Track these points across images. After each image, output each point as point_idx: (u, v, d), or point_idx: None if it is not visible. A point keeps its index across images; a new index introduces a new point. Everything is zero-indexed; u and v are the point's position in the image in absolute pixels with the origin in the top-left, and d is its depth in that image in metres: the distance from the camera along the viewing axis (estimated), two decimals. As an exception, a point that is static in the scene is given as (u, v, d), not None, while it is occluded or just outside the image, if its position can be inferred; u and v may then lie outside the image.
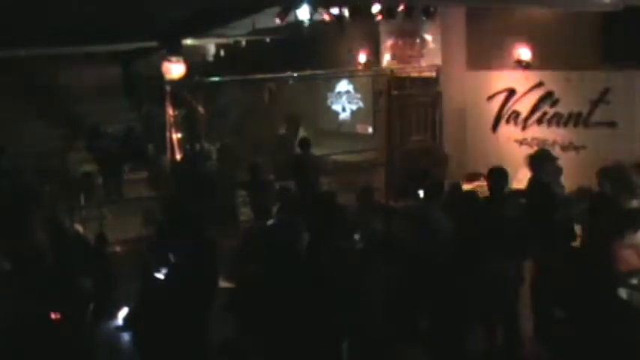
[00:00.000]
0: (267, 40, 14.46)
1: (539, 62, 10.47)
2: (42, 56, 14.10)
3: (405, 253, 6.02)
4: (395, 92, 12.02)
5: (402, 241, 6.22)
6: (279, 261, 5.34)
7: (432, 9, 10.85)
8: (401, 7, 10.42)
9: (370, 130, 13.84)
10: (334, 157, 13.17)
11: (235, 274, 6.04)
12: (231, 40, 14.91)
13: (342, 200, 7.29)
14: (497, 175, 6.25)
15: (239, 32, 13.03)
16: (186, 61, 11.48)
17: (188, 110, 11.39)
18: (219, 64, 15.74)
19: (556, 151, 9.21)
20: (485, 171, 6.64)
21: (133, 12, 9.60)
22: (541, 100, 10.58)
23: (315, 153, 11.27)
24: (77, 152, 14.26)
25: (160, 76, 11.26)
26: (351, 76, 13.95)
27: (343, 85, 14.62)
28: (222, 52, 16.08)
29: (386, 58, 12.74)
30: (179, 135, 11.02)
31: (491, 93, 11.25)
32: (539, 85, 10.56)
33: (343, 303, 5.35)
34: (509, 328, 6.27)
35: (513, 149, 10.67)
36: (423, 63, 12.08)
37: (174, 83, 10.98)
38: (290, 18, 9.95)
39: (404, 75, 12.14)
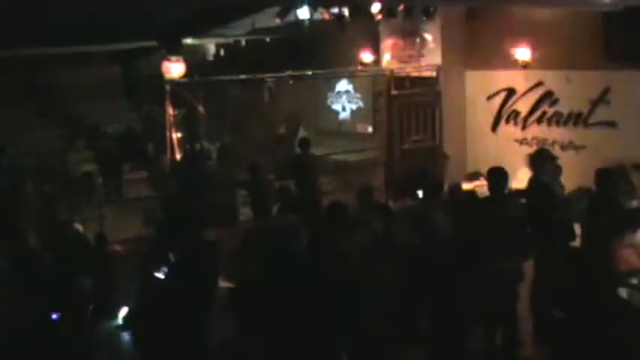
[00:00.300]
0: (267, 39, 14.46)
1: (539, 62, 10.47)
2: (42, 56, 14.10)
3: (404, 253, 6.02)
4: (395, 92, 12.01)
5: (402, 241, 6.22)
6: (279, 261, 5.34)
7: (431, 9, 10.85)
8: (401, 7, 10.42)
9: (370, 129, 13.84)
10: (334, 156, 13.18)
11: (235, 274, 6.04)
12: (231, 40, 14.89)
13: (341, 200, 7.28)
14: (497, 175, 6.25)
15: (239, 32, 13.02)
16: (186, 61, 11.47)
17: (188, 110, 11.40)
18: (219, 64, 15.72)
19: (556, 151, 9.22)
20: (485, 171, 6.64)
21: (133, 12, 9.59)
22: (541, 100, 10.59)
23: (315, 153, 11.27)
24: (77, 152, 14.26)
25: (160, 75, 11.25)
26: (351, 76, 13.94)
27: (343, 85, 14.63)
28: (222, 52, 16.06)
29: (386, 58, 12.73)
30: (179, 135, 11.01)
31: (491, 93, 11.26)
32: (539, 84, 10.57)
33: (343, 303, 5.36)
34: (508, 328, 6.27)
35: (513, 149, 10.67)
36: (423, 63, 12.08)
37: (174, 83, 10.97)
38: (290, 18, 9.94)
39: (404, 75, 12.14)
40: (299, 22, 10.03)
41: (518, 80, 10.84)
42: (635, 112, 9.37)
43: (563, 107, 10.32)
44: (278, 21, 10.03)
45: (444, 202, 6.96)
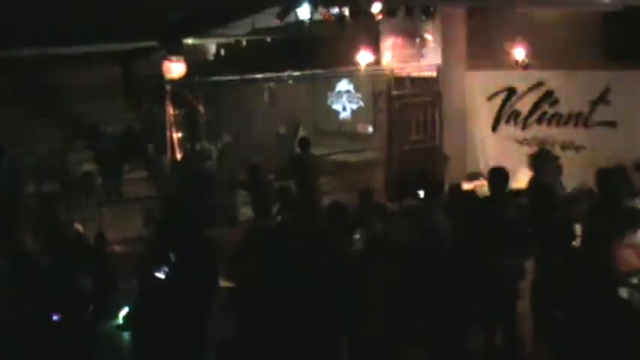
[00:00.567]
0: (268, 39, 14.45)
1: (539, 62, 10.46)
2: (42, 56, 14.09)
3: (404, 253, 6.02)
4: (395, 92, 12.01)
5: (401, 241, 6.22)
6: (279, 261, 5.35)
7: (431, 9, 10.84)
8: (401, 7, 10.42)
9: (370, 129, 13.84)
10: (334, 156, 13.17)
11: (235, 274, 6.04)
12: (231, 40, 14.89)
13: (341, 200, 7.29)
14: (498, 175, 6.25)
15: (239, 32, 13.01)
16: (187, 61, 11.47)
17: (188, 110, 11.38)
18: (219, 64, 15.71)
19: (556, 151, 9.22)
20: (485, 171, 6.65)
21: (133, 12, 9.59)
22: (541, 100, 10.58)
23: (315, 153, 11.27)
24: (77, 152, 14.25)
25: (160, 75, 11.25)
26: (351, 76, 13.94)
27: (343, 85, 14.63)
28: (222, 52, 16.05)
29: (386, 58, 12.73)
30: (179, 135, 11.01)
31: (491, 93, 11.25)
32: (539, 84, 10.56)
33: (343, 303, 5.36)
34: (508, 328, 6.27)
35: (513, 149, 10.67)
36: (423, 63, 12.07)
37: (174, 83, 10.96)
38: (290, 18, 9.94)
39: (404, 75, 12.14)
40: (299, 22, 10.02)
41: (519, 80, 10.83)
42: (635, 112, 9.36)
43: (563, 107, 10.32)
44: (278, 21, 10.03)
45: (444, 203, 6.95)
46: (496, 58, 10.98)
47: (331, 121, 14.92)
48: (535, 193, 6.94)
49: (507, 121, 11.10)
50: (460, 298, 5.99)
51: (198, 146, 11.91)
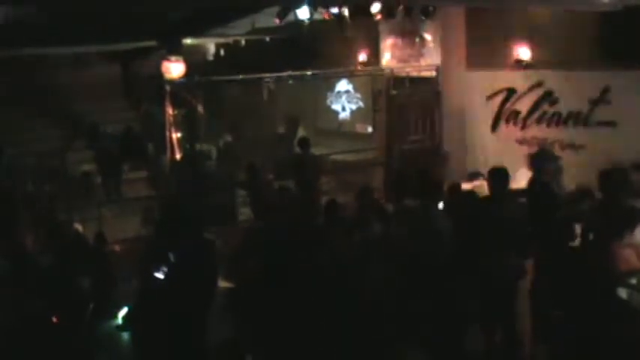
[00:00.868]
0: (267, 39, 14.46)
1: (539, 62, 10.47)
2: (42, 56, 14.10)
3: (404, 253, 6.02)
4: (394, 92, 12.02)
5: (401, 241, 6.22)
6: (279, 261, 5.35)
7: (431, 8, 10.85)
8: (401, 7, 10.42)
9: (370, 129, 13.83)
10: (333, 156, 13.17)
11: (235, 273, 6.04)
12: (231, 40, 14.90)
13: (341, 200, 7.30)
14: (497, 175, 6.25)
15: (239, 32, 13.03)
16: (186, 61, 11.48)
17: (188, 110, 11.38)
18: (219, 64, 15.73)
19: (556, 151, 9.21)
20: (485, 171, 6.64)
21: (132, 12, 9.59)
22: (541, 100, 10.57)
23: (314, 153, 11.27)
24: (77, 152, 14.26)
25: (160, 75, 11.26)
26: (351, 76, 13.95)
27: (343, 85, 14.63)
28: (222, 52, 16.06)
29: (386, 58, 12.74)
30: (179, 135, 11.01)
31: (490, 93, 11.24)
32: (539, 84, 10.55)
33: (342, 303, 5.36)
34: (508, 328, 6.27)
35: (513, 149, 10.66)
36: (423, 63, 12.08)
37: (174, 83, 10.97)
38: (290, 17, 9.94)
39: (403, 75, 12.14)
40: (299, 22, 10.03)
41: (518, 80, 10.82)
42: (635, 112, 9.36)
43: (563, 107, 10.32)
44: (277, 21, 10.04)
45: (443, 202, 6.95)
46: (496, 58, 10.98)
47: (331, 121, 14.92)
48: (535, 193, 6.93)
49: (507, 121, 11.10)
50: (460, 298, 5.99)
51: (198, 146, 11.92)
